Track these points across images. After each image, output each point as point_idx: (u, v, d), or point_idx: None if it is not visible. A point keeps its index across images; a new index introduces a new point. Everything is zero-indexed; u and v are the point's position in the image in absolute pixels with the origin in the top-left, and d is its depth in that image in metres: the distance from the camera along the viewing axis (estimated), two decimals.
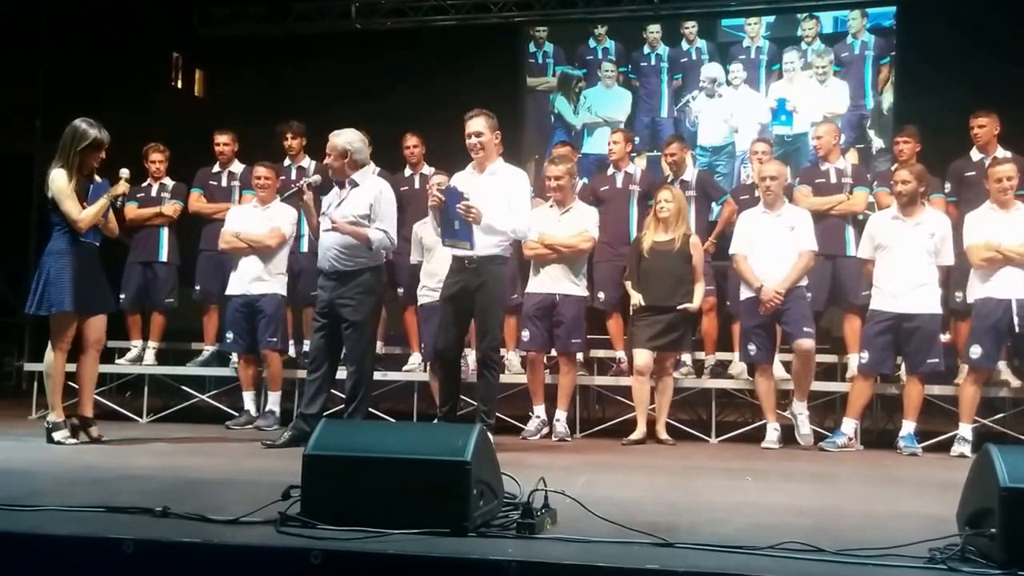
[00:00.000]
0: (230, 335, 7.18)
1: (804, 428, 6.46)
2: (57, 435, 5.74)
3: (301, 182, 6.11)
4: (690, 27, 11.16)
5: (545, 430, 6.75)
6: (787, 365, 6.86)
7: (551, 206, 6.88)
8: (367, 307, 5.91)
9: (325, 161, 6.04)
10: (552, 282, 6.71)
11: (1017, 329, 6.12)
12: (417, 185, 7.64)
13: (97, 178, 5.80)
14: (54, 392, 5.81)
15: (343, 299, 5.85)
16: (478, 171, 6.03)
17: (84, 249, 5.77)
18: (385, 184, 6.21)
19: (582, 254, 6.76)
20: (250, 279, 7.02)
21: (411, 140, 7.79)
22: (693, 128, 11.03)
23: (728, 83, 11.01)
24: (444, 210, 5.76)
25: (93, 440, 5.86)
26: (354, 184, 5.95)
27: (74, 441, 5.77)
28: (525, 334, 6.81)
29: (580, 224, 6.73)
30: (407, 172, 7.84)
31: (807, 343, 6.39)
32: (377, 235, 5.88)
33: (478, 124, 5.95)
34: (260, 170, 7.18)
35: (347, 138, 5.97)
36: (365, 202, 5.90)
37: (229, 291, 7.16)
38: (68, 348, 5.81)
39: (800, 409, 6.49)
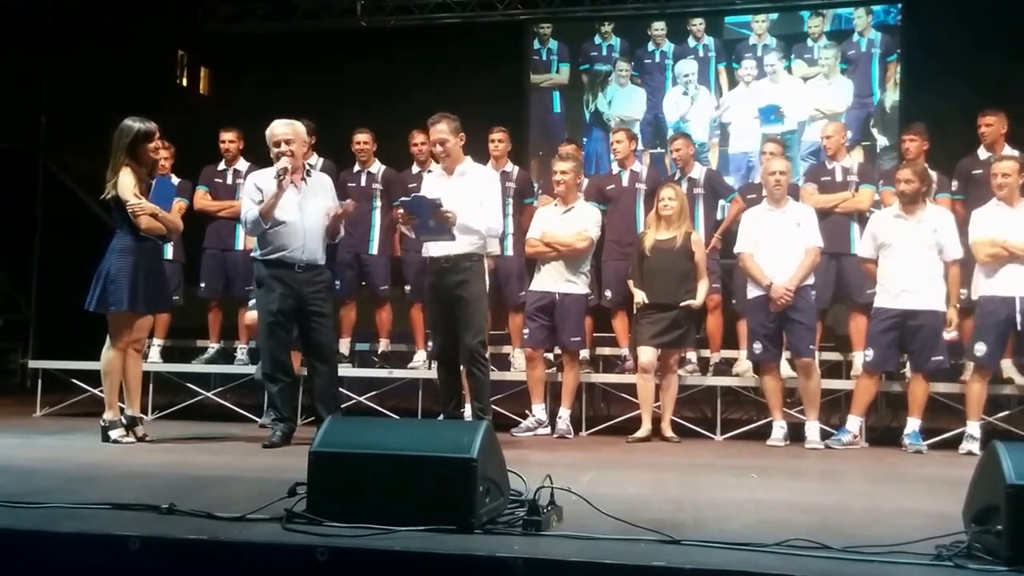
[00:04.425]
0: None
1: (812, 436, 6.42)
2: (113, 433, 5.73)
3: (280, 170, 5.72)
4: (697, 24, 11.15)
5: (540, 429, 6.74)
6: (793, 364, 6.85)
7: (555, 204, 6.89)
8: (332, 300, 6.10)
9: (288, 148, 5.75)
10: (552, 281, 6.74)
11: (1019, 327, 6.14)
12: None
13: (173, 176, 5.73)
14: (111, 391, 5.79)
15: (315, 293, 5.85)
16: (447, 173, 6.03)
17: (147, 247, 5.77)
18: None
19: (580, 254, 6.75)
20: None
21: (419, 138, 7.78)
22: (684, 123, 11.05)
23: (740, 80, 11.03)
24: (415, 217, 5.78)
25: (139, 439, 5.81)
26: (307, 170, 6.01)
27: (130, 440, 5.75)
28: (525, 331, 6.83)
29: (581, 223, 6.74)
30: (415, 169, 7.84)
31: (806, 360, 6.43)
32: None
33: (440, 131, 5.93)
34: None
35: (301, 125, 6.00)
36: (330, 188, 6.03)
37: None
38: (127, 347, 5.80)
39: (811, 427, 6.44)
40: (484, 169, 6.20)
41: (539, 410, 6.79)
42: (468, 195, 5.89)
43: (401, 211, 5.94)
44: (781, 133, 10.54)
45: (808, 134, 10.69)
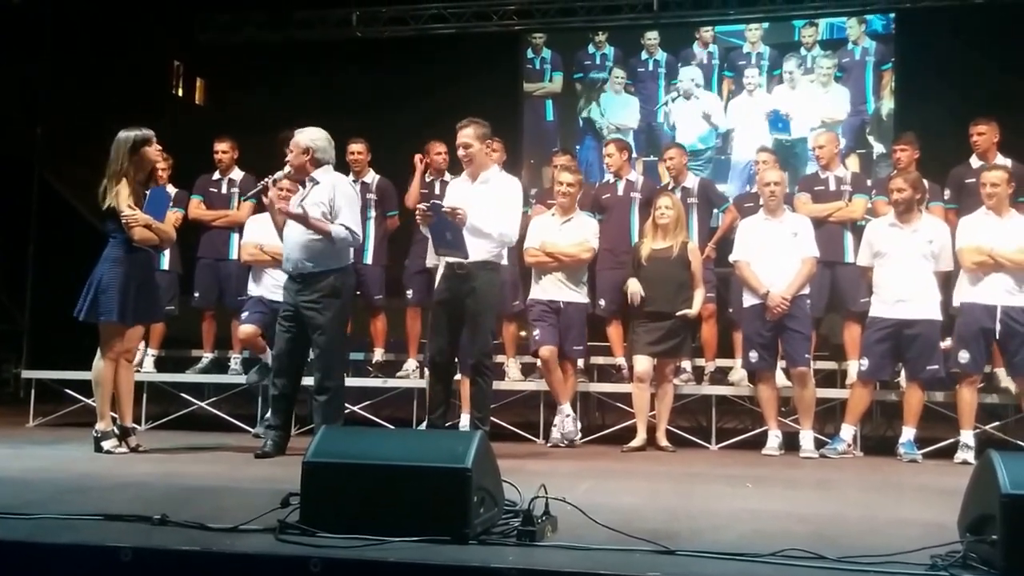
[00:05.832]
0: None
1: (807, 446, 6.42)
2: (106, 444, 5.71)
3: (266, 179, 5.94)
4: (707, 31, 11.18)
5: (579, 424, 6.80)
6: (788, 373, 6.84)
7: (553, 214, 6.89)
8: (332, 310, 5.75)
9: (287, 159, 5.94)
10: (555, 289, 6.77)
11: (998, 336, 6.18)
12: (437, 190, 7.63)
13: (169, 186, 5.72)
14: (103, 401, 5.76)
15: (308, 303, 5.77)
16: (471, 179, 6.03)
17: (139, 257, 5.75)
18: (342, 179, 6.06)
19: (582, 264, 6.80)
20: (274, 286, 6.85)
21: (439, 147, 7.77)
22: (672, 131, 11.07)
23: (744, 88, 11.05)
24: (434, 224, 5.75)
25: (132, 450, 5.79)
26: (314, 182, 5.86)
27: (123, 450, 5.74)
28: (536, 333, 6.74)
29: (581, 234, 6.77)
30: (428, 178, 7.85)
31: (802, 369, 6.44)
32: (339, 230, 5.72)
33: (466, 135, 5.93)
34: (284, 182, 7.10)
35: (311, 135, 5.90)
36: (325, 198, 5.77)
37: (264, 296, 7.05)
38: (118, 357, 5.78)
39: (806, 436, 6.44)
40: (508, 178, 6.13)
41: (569, 408, 6.72)
42: (487, 202, 5.87)
43: (422, 209, 5.80)
44: (792, 140, 10.57)
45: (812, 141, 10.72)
